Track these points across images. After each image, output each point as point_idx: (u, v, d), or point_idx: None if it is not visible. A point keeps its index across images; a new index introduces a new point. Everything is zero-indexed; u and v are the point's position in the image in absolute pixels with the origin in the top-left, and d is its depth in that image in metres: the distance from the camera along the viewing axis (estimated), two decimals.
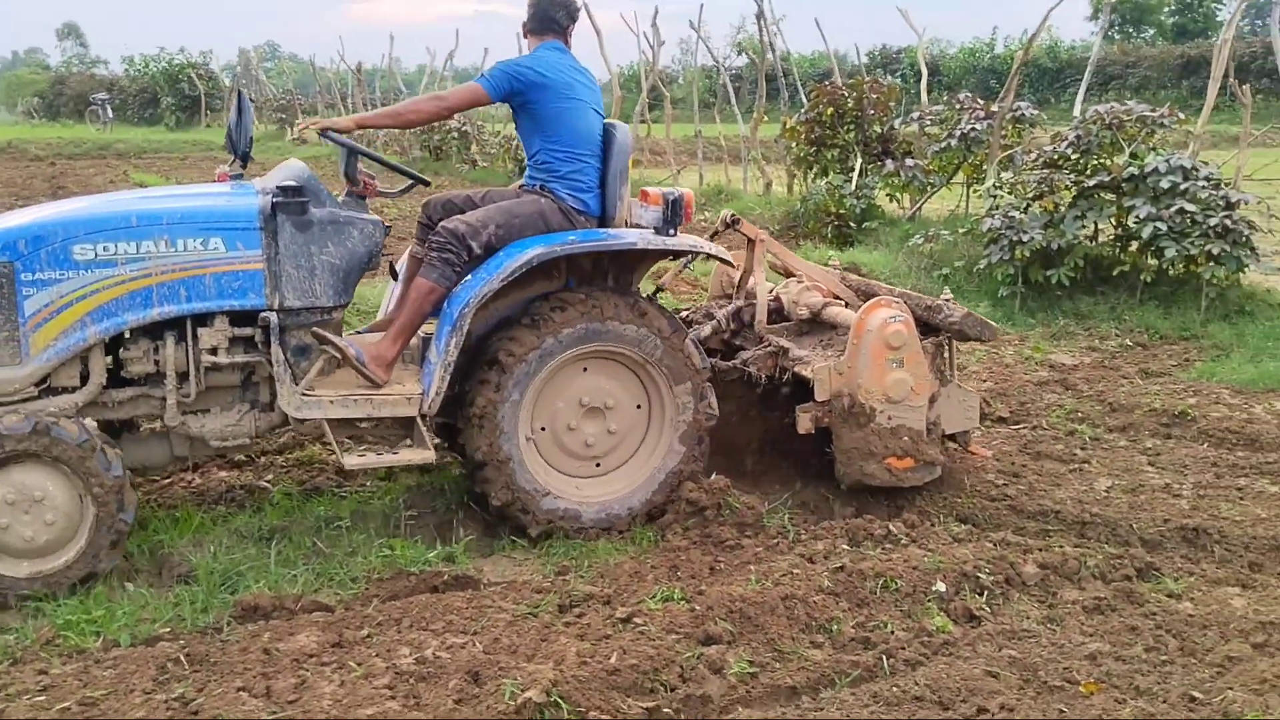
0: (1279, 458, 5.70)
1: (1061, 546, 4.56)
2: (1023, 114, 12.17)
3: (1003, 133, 11.65)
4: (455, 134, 23.80)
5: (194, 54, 49.92)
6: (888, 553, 4.49)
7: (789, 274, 5.94)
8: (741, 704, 3.47)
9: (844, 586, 4.14)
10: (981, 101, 12.52)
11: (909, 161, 11.88)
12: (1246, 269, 8.44)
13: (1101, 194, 8.91)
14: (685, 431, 4.95)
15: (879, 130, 13.29)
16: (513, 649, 3.68)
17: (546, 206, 4.88)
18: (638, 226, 5.04)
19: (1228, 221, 8.19)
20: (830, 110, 13.28)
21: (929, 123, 12.95)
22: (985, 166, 11.57)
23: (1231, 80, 9.98)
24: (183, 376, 4.49)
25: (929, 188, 12.32)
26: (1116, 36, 53.63)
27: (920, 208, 12.69)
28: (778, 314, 5.73)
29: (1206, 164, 8.84)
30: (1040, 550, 4.51)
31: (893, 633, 3.89)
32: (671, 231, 4.88)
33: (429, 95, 5.12)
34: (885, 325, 4.95)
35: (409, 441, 4.71)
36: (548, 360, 4.68)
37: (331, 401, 4.54)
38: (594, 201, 5.01)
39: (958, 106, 12.53)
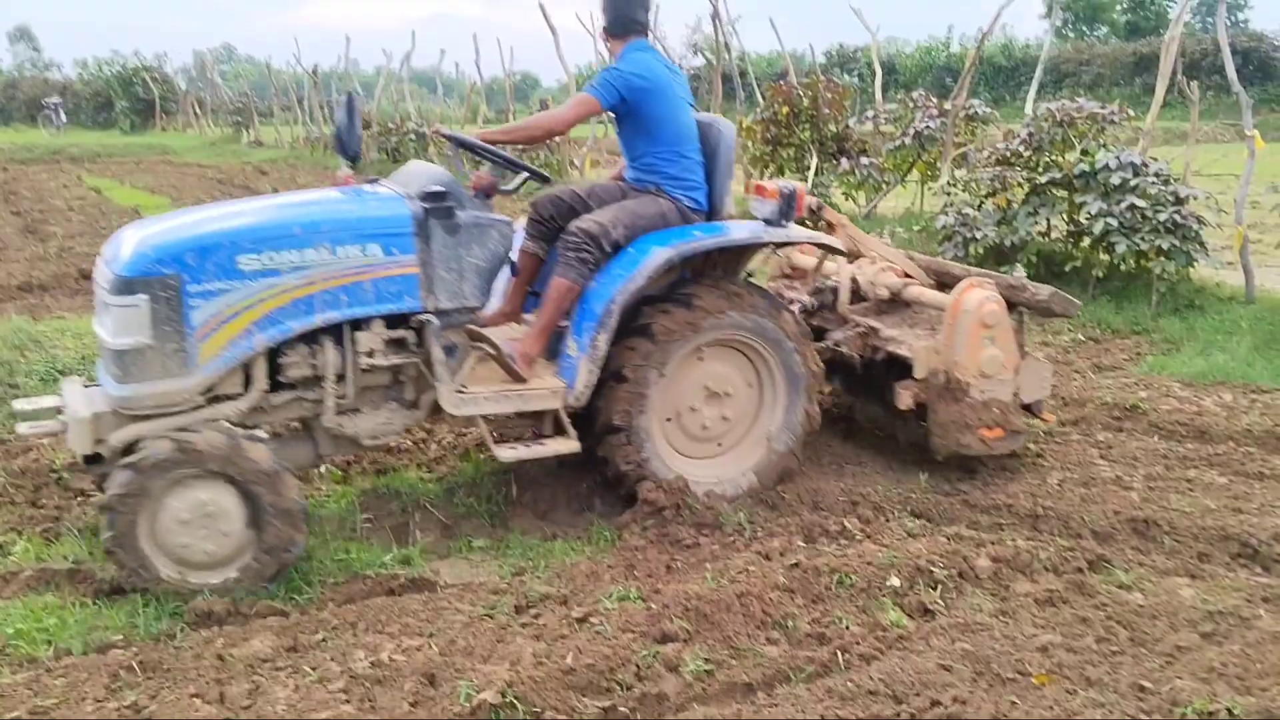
0: (1228, 449, 5.79)
1: (1014, 540, 4.60)
2: (975, 112, 12.30)
3: (956, 131, 11.75)
4: (413, 135, 23.71)
5: (148, 57, 49.52)
6: (843, 549, 4.51)
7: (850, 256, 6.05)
8: (697, 701, 3.48)
9: (800, 583, 4.16)
10: (935, 100, 12.63)
11: (864, 160, 11.98)
12: (1196, 264, 8.56)
13: (1054, 191, 9.02)
14: (792, 419, 5.20)
15: (834, 129, 13.37)
16: (469, 650, 3.67)
17: (666, 207, 5.10)
18: (750, 218, 5.25)
19: (1177, 217, 8.31)
20: (786, 109, 13.35)
21: (884, 121, 13.05)
22: (939, 164, 11.67)
23: (1180, 77, 10.12)
24: (339, 379, 4.54)
25: (884, 186, 12.41)
26: (1070, 34, 54.30)
27: (876, 205, 12.78)
28: (855, 294, 5.97)
29: (1156, 160, 8.96)
30: (993, 544, 4.55)
31: (848, 628, 3.91)
32: (785, 223, 5.12)
33: (545, 113, 5.36)
34: (981, 305, 5.21)
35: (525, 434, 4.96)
36: (693, 342, 4.93)
37: (486, 398, 4.69)
38: (703, 197, 5.24)
39: (912, 105, 12.65)
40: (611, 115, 5.34)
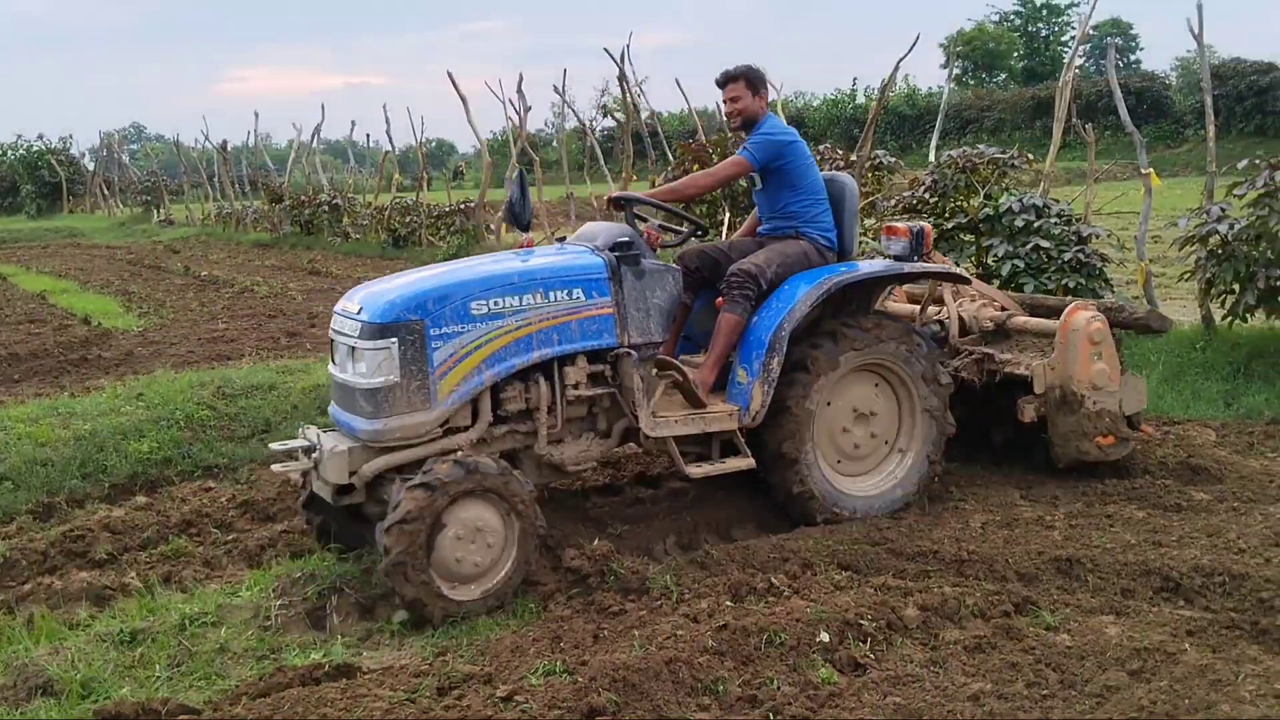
0: (1145, 483, 5.87)
1: (941, 587, 4.59)
2: (881, 161, 12.52)
3: (863, 181, 11.94)
4: (326, 207, 23.54)
5: (53, 140, 48.66)
6: (771, 606, 4.45)
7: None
8: None
9: (728, 645, 4.08)
10: (841, 151, 12.84)
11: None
12: (1102, 299, 8.73)
13: (961, 235, 9.17)
14: (930, 436, 5.73)
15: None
16: None
17: (808, 248, 5.69)
18: (882, 256, 5.93)
19: (1081, 255, 8.49)
20: (696, 166, 13.46)
21: None
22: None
23: (1074, 120, 10.41)
24: (549, 410, 5.10)
25: None
26: (971, 82, 55.85)
27: None
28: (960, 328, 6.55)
29: (1058, 201, 9.17)
30: (920, 592, 4.53)
31: (779, 688, 3.85)
32: (916, 259, 5.76)
33: (701, 173, 6.07)
34: (1089, 324, 5.88)
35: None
36: (843, 369, 5.46)
37: (676, 421, 5.24)
38: (835, 239, 5.82)
39: (819, 158, 12.82)
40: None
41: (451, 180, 33.50)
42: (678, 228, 5.96)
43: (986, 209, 8.93)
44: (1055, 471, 6.14)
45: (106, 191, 43.68)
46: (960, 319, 6.49)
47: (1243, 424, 6.79)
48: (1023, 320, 6.37)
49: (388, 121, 32.21)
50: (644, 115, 19.53)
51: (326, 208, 23.82)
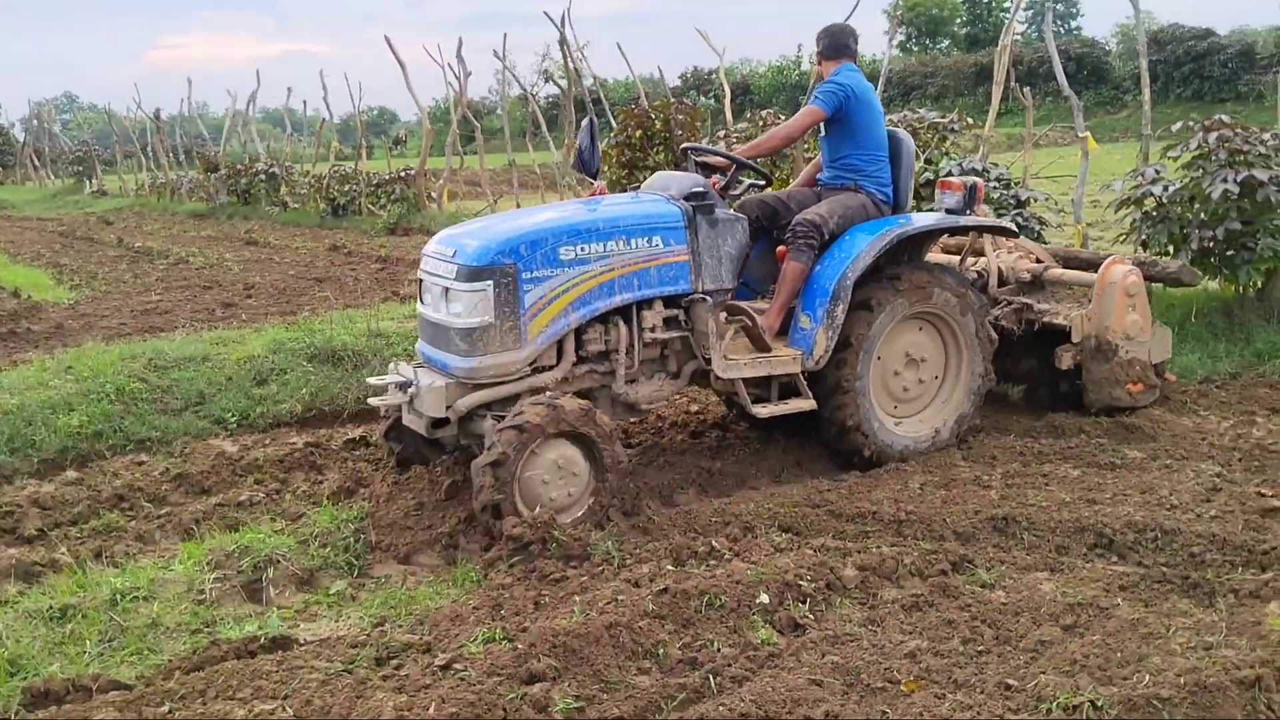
0: (1080, 442, 5.94)
1: (879, 547, 4.62)
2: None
3: (806, 146, 11.92)
4: (263, 176, 23.12)
5: None
6: (711, 569, 4.46)
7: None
8: None
9: (669, 608, 4.08)
10: (784, 117, 12.80)
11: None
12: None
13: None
14: (974, 383, 6.06)
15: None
16: (325, 710, 3.50)
17: (866, 200, 5.95)
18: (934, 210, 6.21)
19: (1019, 219, 8.55)
20: (639, 133, 13.39)
21: (736, 141, 13.17)
22: (791, 180, 11.81)
23: (1013, 84, 10.47)
24: (627, 352, 5.42)
25: None
26: (914, 49, 56.03)
27: None
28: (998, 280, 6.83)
29: (997, 165, 9.23)
30: (859, 552, 4.56)
31: (719, 650, 3.86)
32: (969, 212, 6.03)
33: (780, 127, 6.15)
34: (1125, 277, 6.26)
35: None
36: (899, 315, 5.78)
37: (745, 364, 5.54)
38: (891, 193, 6.05)
39: (761, 124, 12.79)
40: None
41: (393, 148, 33.05)
42: (746, 179, 6.26)
43: (927, 173, 8.96)
44: (993, 432, 6.21)
45: (37, 162, 42.62)
46: (998, 270, 6.76)
47: (1177, 384, 6.89)
48: (1059, 272, 6.70)
49: (325, 89, 31.36)
50: (587, 82, 19.33)
51: (263, 177, 23.40)
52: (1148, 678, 3.42)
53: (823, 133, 6.08)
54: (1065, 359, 6.31)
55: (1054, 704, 3.29)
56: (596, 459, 5.03)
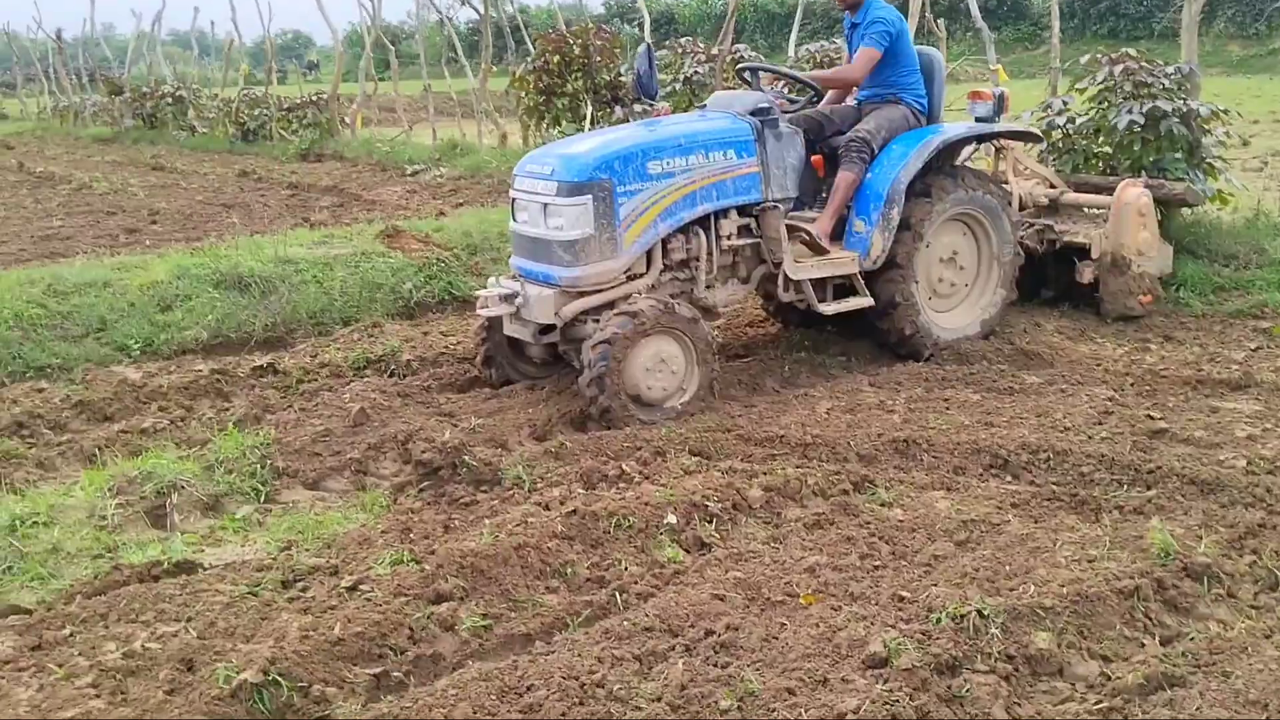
0: (981, 368, 6.07)
1: (785, 469, 4.70)
2: (742, 56, 12.48)
3: (725, 75, 11.90)
4: (170, 100, 22.40)
5: None
6: (621, 492, 4.51)
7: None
8: (474, 658, 3.43)
9: (578, 529, 4.13)
10: (703, 46, 12.75)
11: (638, 107, 11.96)
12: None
13: None
14: (1004, 275, 6.57)
15: (607, 77, 13.35)
16: (229, 632, 3.50)
17: (906, 112, 6.41)
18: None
19: None
20: (558, 59, 13.25)
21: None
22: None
23: (928, 16, 10.52)
24: (706, 259, 5.83)
25: None
26: None
27: None
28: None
29: None
30: (765, 474, 4.64)
31: (626, 569, 3.93)
32: (996, 119, 6.54)
33: (846, 68, 6.75)
34: (1139, 198, 6.83)
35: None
36: (940, 218, 6.26)
37: (812, 265, 6.02)
38: (926, 105, 6.50)
39: (680, 51, 12.73)
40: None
41: (306, 73, 32.21)
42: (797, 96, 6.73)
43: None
44: (899, 359, 6.33)
45: None
46: (1019, 196, 7.18)
47: (1077, 312, 7.08)
48: (1075, 196, 7.34)
49: (233, 9, 30.22)
50: (507, 8, 19.02)
51: (170, 100, 22.68)
52: (1033, 588, 3.56)
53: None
54: (1086, 273, 6.92)
55: (943, 614, 3.41)
56: (694, 359, 5.49)
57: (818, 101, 6.70)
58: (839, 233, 6.23)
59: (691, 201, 5.68)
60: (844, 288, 6.27)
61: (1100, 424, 5.12)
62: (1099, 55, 8.15)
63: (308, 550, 4.17)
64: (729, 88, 12.20)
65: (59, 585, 3.96)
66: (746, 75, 6.72)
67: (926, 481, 4.64)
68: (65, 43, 31.27)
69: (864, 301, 6.16)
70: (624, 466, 4.79)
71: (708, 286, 5.93)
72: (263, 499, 4.76)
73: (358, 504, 4.67)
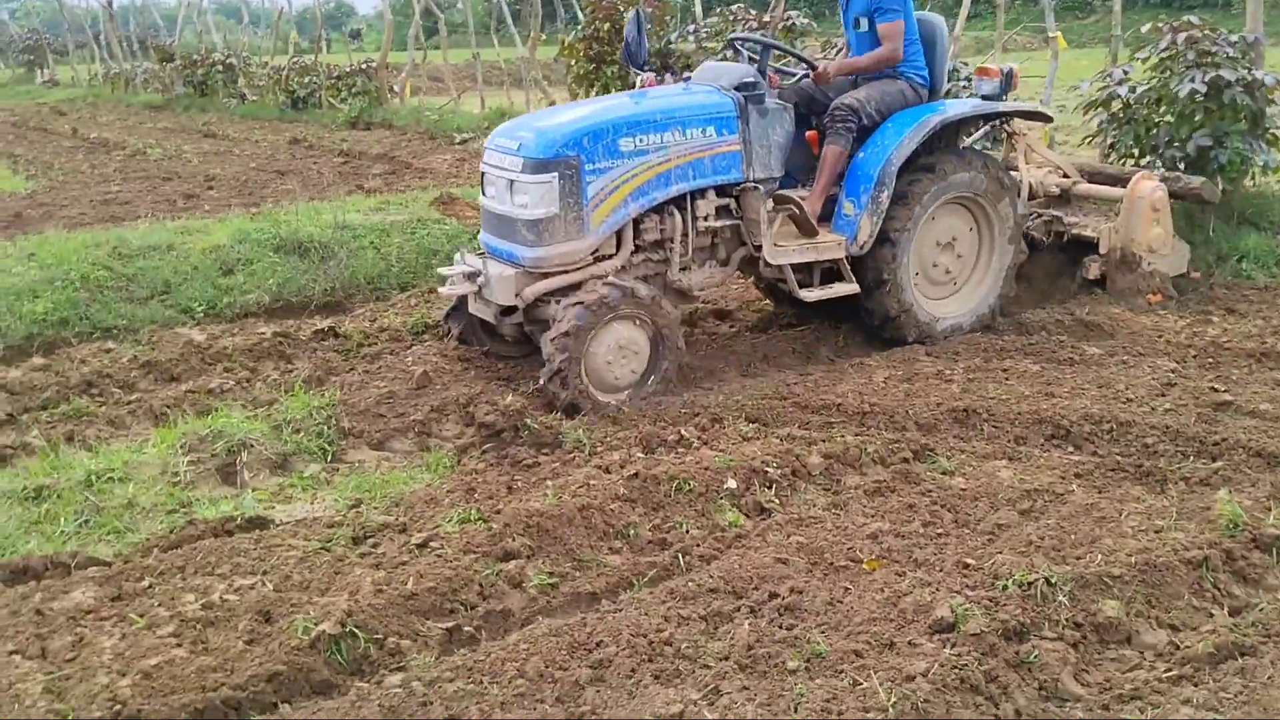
0: (1041, 339, 6.03)
1: (844, 437, 4.72)
2: (794, 24, 12.38)
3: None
4: (220, 67, 22.54)
5: None
6: (680, 456, 4.54)
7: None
8: (542, 614, 3.49)
9: (640, 492, 4.18)
10: (754, 13, 12.66)
11: (688, 75, 11.92)
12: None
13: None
14: (1004, 265, 6.26)
15: (657, 45, 13.27)
16: (305, 585, 3.59)
17: (904, 86, 6.00)
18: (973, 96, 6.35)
19: None
20: (607, 26, 13.17)
21: (705, 36, 13.02)
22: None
23: None
24: (682, 240, 5.56)
25: None
26: None
27: None
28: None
29: (966, 64, 9.19)
30: (824, 442, 4.66)
31: (688, 531, 3.98)
32: (1004, 98, 6.17)
33: (882, 51, 5.94)
34: (1153, 192, 6.47)
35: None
36: (939, 200, 5.92)
37: (793, 250, 5.71)
38: (928, 78, 6.11)
39: (730, 19, 12.63)
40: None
41: (350, 42, 32.34)
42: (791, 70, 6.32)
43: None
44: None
45: None
46: (1028, 185, 6.78)
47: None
48: (1088, 187, 6.93)
49: None
50: None
51: (220, 68, 22.85)
52: (1100, 557, 3.56)
53: (861, 27, 6.08)
54: (1093, 269, 6.58)
55: (1010, 581, 3.42)
56: (659, 342, 5.28)
57: (815, 76, 6.06)
58: (830, 212, 5.93)
59: (665, 181, 5.41)
60: (832, 272, 5.96)
61: (1163, 396, 5.09)
62: (1160, 23, 8.02)
63: (376, 508, 4.25)
64: (779, 56, 12.15)
65: (135, 539, 4.07)
66: (739, 47, 6.14)
67: (988, 451, 4.63)
68: (115, 10, 31.55)
69: (849, 288, 5.86)
70: (682, 432, 4.83)
71: (683, 269, 5.68)
72: (329, 458, 4.85)
73: (422, 464, 4.75)
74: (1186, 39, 7.55)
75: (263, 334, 6.42)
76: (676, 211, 5.53)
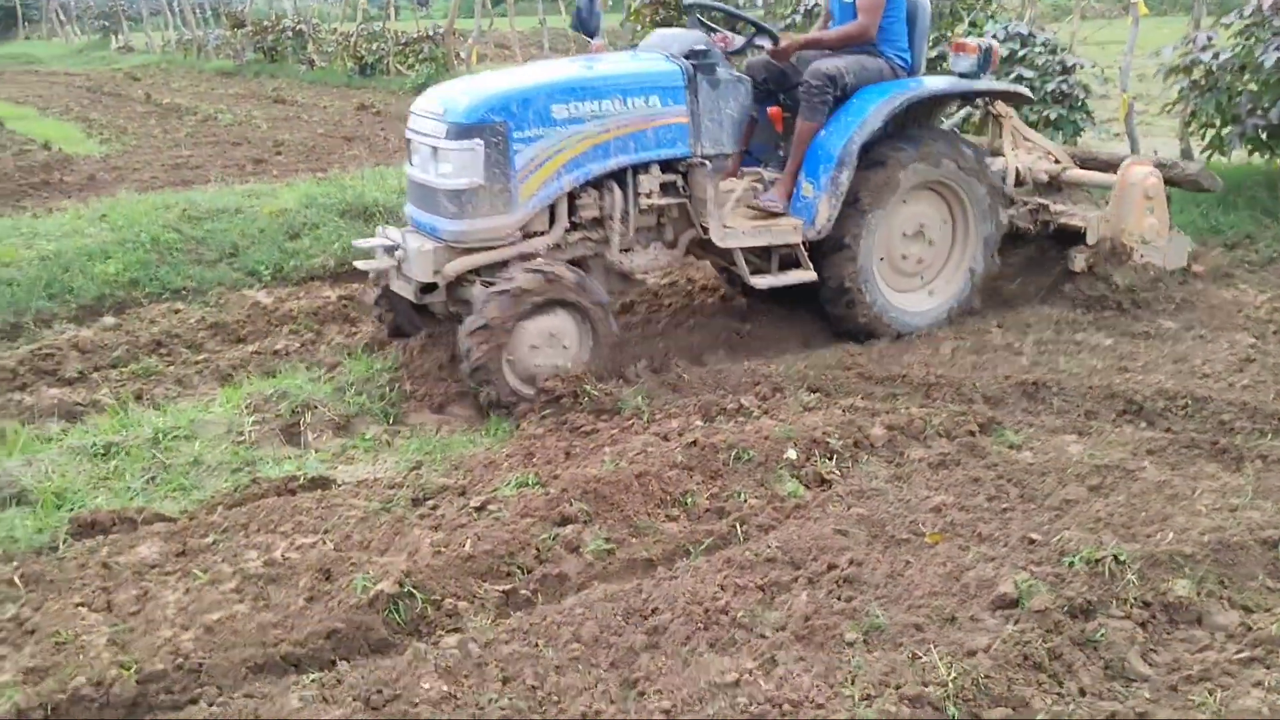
0: (1114, 312, 5.89)
1: (908, 408, 4.65)
2: None
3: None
4: (290, 34, 22.74)
5: None
6: (740, 425, 4.50)
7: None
8: (598, 579, 3.48)
9: (698, 460, 4.14)
10: None
11: (759, 40, 11.76)
12: (1084, 132, 8.65)
13: (943, 64, 8.98)
14: (978, 255, 5.84)
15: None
16: (365, 544, 3.61)
17: (884, 65, 5.63)
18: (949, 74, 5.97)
19: (1064, 86, 8.36)
20: None
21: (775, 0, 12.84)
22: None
23: None
24: (622, 218, 5.19)
25: None
26: None
27: None
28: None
29: (1043, 29, 8.97)
30: (888, 413, 4.59)
31: (746, 501, 3.93)
32: (981, 76, 5.82)
33: (856, 24, 5.56)
34: (1145, 179, 6.02)
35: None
36: (904, 186, 5.51)
37: (744, 232, 5.33)
38: (909, 58, 5.74)
39: None
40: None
41: (418, 9, 32.41)
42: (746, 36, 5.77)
43: (971, 36, 8.73)
44: (1030, 300, 6.16)
45: (63, 17, 42.08)
46: (1015, 171, 6.44)
47: (1215, 256, 6.81)
48: (1078, 173, 6.46)
49: None
50: None
51: (290, 34, 23.06)
52: (1171, 535, 3.47)
53: (842, 4, 5.72)
54: (1079, 261, 6.06)
55: (1077, 557, 3.34)
56: (588, 330, 4.92)
57: (774, 42, 5.64)
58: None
59: (603, 152, 5.02)
60: (790, 259, 5.55)
61: (1241, 371, 4.94)
62: None
63: (436, 470, 4.27)
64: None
65: (200, 496, 4.13)
66: (698, 15, 5.62)
67: (1057, 425, 4.53)
68: None
69: (805, 276, 5.45)
70: (742, 401, 4.78)
71: (624, 250, 5.29)
72: (391, 420, 4.89)
73: (482, 429, 4.76)
74: (1273, 5, 7.30)
75: (327, 297, 6.47)
76: (617, 187, 5.16)
